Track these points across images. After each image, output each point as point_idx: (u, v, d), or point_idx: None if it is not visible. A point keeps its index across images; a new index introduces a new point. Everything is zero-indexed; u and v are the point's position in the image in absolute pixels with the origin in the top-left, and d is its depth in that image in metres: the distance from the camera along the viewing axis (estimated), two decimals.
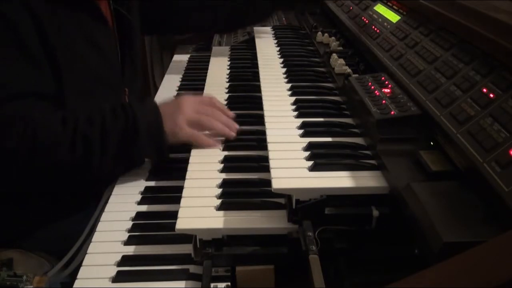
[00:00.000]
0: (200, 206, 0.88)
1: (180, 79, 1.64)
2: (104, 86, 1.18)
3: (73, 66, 1.08)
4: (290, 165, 0.89)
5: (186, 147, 1.11)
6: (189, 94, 1.19)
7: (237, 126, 1.13)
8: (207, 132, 1.11)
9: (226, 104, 1.28)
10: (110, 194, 1.04)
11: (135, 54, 1.34)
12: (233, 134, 1.11)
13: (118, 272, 0.83)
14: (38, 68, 1.02)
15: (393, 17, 1.28)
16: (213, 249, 0.83)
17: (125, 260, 0.86)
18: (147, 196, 1.03)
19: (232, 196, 0.91)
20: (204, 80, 1.47)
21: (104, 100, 1.15)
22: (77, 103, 1.08)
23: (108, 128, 1.00)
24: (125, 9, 1.28)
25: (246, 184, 0.96)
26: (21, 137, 0.95)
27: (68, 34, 1.07)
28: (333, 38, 1.50)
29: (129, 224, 0.95)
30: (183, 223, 0.83)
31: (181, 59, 1.82)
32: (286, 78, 1.31)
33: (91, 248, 0.89)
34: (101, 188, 1.13)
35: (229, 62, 1.63)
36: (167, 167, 1.13)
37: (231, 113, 1.17)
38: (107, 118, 1.01)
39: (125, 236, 0.91)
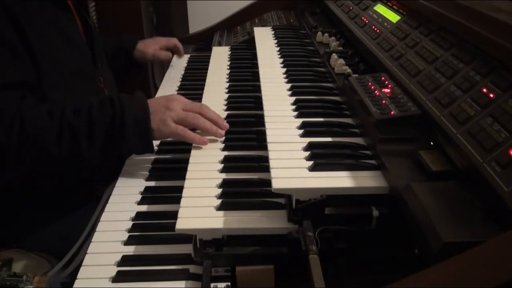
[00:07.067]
0: (200, 206, 0.88)
1: (180, 79, 1.64)
2: (79, 75, 1.18)
3: (49, 57, 1.08)
4: (290, 165, 0.89)
5: (186, 148, 1.11)
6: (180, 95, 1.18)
7: (227, 125, 1.12)
8: (198, 131, 1.11)
9: (226, 104, 1.29)
10: (110, 194, 1.04)
11: (99, 42, 1.34)
12: (221, 132, 1.11)
13: (118, 272, 0.83)
14: (20, 60, 1.03)
15: (393, 17, 1.28)
16: (213, 249, 0.83)
17: (125, 260, 0.86)
18: (147, 196, 1.03)
19: (232, 196, 0.91)
20: (204, 80, 1.47)
21: (82, 90, 1.16)
22: (57, 94, 1.08)
23: (95, 120, 1.00)
24: None
25: (246, 184, 0.96)
26: (9, 130, 0.95)
27: (41, 25, 1.08)
28: (333, 38, 1.50)
29: (129, 224, 0.95)
30: (183, 223, 0.83)
31: (181, 59, 1.83)
32: (286, 78, 1.31)
33: (91, 248, 0.89)
34: (96, 184, 1.13)
35: (229, 62, 1.63)
36: (167, 167, 1.13)
37: (226, 125, 1.13)
38: (93, 110, 1.01)
39: (125, 236, 0.91)
